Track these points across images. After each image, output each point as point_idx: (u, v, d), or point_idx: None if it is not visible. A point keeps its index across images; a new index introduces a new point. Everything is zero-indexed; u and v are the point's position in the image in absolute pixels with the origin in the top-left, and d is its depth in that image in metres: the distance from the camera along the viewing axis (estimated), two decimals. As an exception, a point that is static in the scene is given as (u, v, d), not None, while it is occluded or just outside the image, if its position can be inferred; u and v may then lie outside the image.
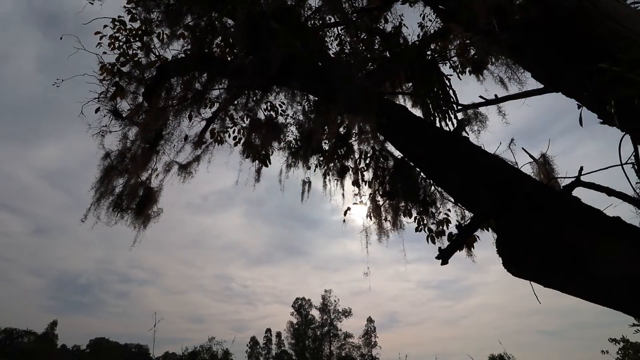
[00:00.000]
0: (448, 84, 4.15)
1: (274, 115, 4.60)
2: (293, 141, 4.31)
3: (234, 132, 4.72)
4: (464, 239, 3.31)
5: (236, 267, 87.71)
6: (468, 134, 3.58)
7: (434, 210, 3.86)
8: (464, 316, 76.77)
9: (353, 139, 4.18)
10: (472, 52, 4.27)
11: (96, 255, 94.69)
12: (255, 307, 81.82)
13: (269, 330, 55.57)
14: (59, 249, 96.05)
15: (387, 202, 3.96)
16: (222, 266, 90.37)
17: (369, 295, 79.11)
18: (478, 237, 3.73)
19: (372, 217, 4.01)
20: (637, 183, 2.01)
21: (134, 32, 4.18)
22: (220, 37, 4.12)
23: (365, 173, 4.26)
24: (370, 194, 4.15)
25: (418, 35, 4.40)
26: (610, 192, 2.04)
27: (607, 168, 2.17)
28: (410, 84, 4.31)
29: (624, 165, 2.00)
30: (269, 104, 4.62)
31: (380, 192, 4.04)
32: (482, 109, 3.65)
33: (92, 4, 4.33)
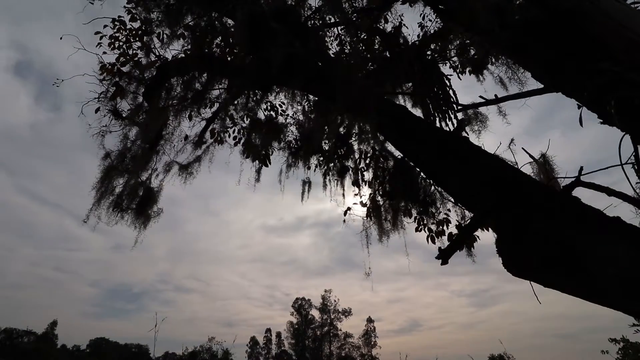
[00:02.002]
0: (448, 84, 4.15)
1: (274, 115, 4.60)
2: (293, 141, 4.31)
3: (234, 132, 4.72)
4: (464, 239, 3.32)
5: (289, 279, 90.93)
6: (468, 134, 3.59)
7: (434, 210, 3.86)
8: (482, 321, 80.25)
9: (353, 139, 4.18)
10: (472, 52, 4.27)
11: (161, 268, 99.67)
12: (289, 312, 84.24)
13: (269, 330, 55.61)
14: (128, 263, 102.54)
15: (387, 202, 3.96)
16: (274, 278, 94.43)
17: (403, 303, 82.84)
18: (478, 237, 3.74)
19: (372, 217, 4.01)
20: (637, 183, 2.02)
21: (134, 32, 4.18)
22: (220, 37, 4.12)
23: (365, 173, 4.26)
24: (370, 194, 4.15)
25: (418, 35, 4.40)
26: (610, 192, 2.04)
27: (607, 168, 2.17)
28: (410, 84, 4.30)
29: (624, 165, 2.01)
30: (269, 104, 4.62)
31: (380, 192, 4.05)
32: (482, 109, 3.65)
33: (92, 3, 4.33)
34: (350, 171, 4.29)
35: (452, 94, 4.06)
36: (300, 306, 54.08)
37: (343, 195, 4.22)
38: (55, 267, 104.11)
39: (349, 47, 4.48)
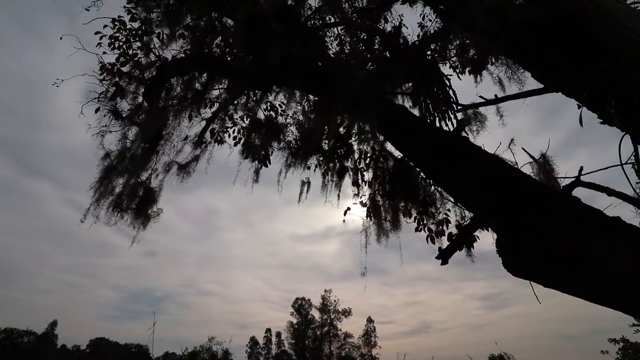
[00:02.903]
0: (448, 84, 4.14)
1: (274, 115, 4.59)
2: (293, 141, 4.31)
3: (233, 132, 4.72)
4: (464, 239, 3.32)
5: (310, 284, 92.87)
6: (468, 134, 3.58)
7: (434, 210, 3.86)
8: (490, 323, 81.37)
9: (353, 139, 4.18)
10: (472, 52, 4.27)
11: (187, 274, 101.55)
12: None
13: (268, 330, 55.59)
14: (157, 269, 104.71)
15: (387, 202, 3.96)
16: (296, 283, 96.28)
17: (417, 306, 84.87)
18: (478, 237, 3.73)
19: (372, 217, 4.01)
20: (637, 183, 2.02)
21: (134, 32, 4.18)
22: (220, 37, 4.12)
23: (365, 173, 4.26)
24: (370, 194, 4.15)
25: (418, 35, 4.40)
26: (610, 192, 2.04)
27: (607, 168, 2.17)
28: (410, 84, 4.30)
29: (624, 165, 2.01)
30: (269, 104, 4.62)
31: (380, 192, 4.04)
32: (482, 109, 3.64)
33: (88, 10, 4.30)
34: (350, 171, 4.29)
35: (452, 94, 4.05)
36: (300, 306, 54.05)
37: (338, 196, 4.21)
38: (84, 273, 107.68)
39: (349, 47, 4.48)
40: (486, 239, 3.62)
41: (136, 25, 4.15)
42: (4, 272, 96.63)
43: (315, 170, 4.33)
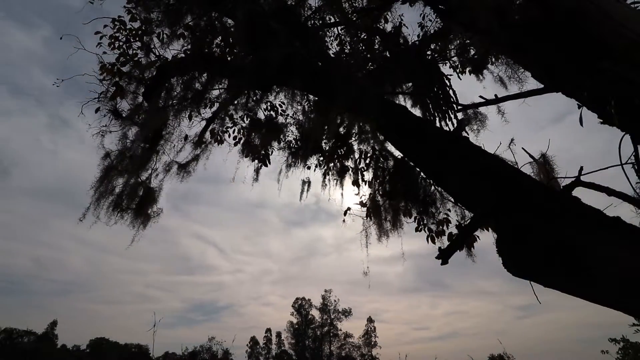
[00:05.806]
0: (448, 84, 4.14)
1: (274, 115, 4.60)
2: (293, 141, 4.31)
3: (233, 132, 4.72)
4: (464, 239, 3.32)
5: (365, 296, 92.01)
6: (468, 134, 3.58)
7: (434, 210, 3.86)
8: (514, 329, 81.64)
9: (353, 139, 4.18)
10: (472, 52, 4.27)
11: (260, 290, 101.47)
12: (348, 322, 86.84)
13: (269, 330, 55.58)
14: (236, 285, 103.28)
15: (387, 202, 3.96)
16: (351, 295, 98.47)
17: (457, 315, 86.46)
18: (478, 237, 3.73)
19: (372, 217, 4.01)
20: (637, 183, 2.02)
21: (134, 32, 4.18)
22: (220, 37, 4.12)
23: (365, 173, 4.26)
24: (370, 194, 4.15)
25: (418, 35, 4.40)
26: (610, 192, 2.04)
27: (607, 168, 2.17)
28: (410, 84, 4.30)
29: (624, 165, 2.01)
30: (269, 104, 4.62)
31: (380, 192, 4.04)
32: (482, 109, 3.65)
33: (92, 3, 4.33)
34: (350, 171, 4.29)
35: (452, 94, 4.06)
36: (301, 306, 54.06)
37: (341, 195, 4.22)
38: (165, 288, 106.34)
39: (349, 47, 4.48)
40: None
41: (136, 25, 4.15)
42: (91, 287, 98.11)
43: (315, 170, 4.34)
